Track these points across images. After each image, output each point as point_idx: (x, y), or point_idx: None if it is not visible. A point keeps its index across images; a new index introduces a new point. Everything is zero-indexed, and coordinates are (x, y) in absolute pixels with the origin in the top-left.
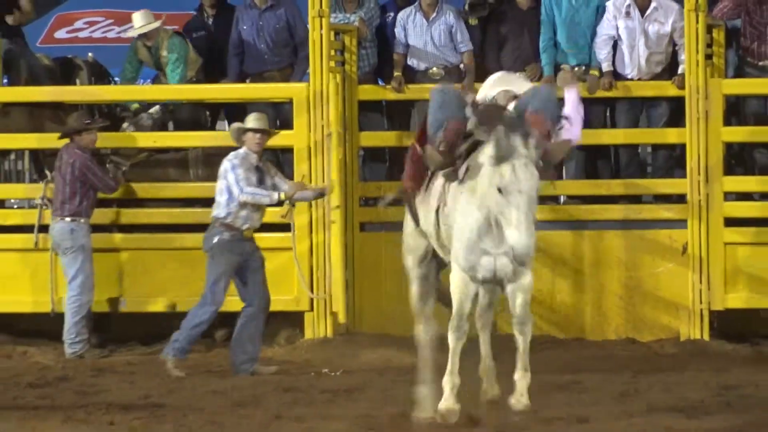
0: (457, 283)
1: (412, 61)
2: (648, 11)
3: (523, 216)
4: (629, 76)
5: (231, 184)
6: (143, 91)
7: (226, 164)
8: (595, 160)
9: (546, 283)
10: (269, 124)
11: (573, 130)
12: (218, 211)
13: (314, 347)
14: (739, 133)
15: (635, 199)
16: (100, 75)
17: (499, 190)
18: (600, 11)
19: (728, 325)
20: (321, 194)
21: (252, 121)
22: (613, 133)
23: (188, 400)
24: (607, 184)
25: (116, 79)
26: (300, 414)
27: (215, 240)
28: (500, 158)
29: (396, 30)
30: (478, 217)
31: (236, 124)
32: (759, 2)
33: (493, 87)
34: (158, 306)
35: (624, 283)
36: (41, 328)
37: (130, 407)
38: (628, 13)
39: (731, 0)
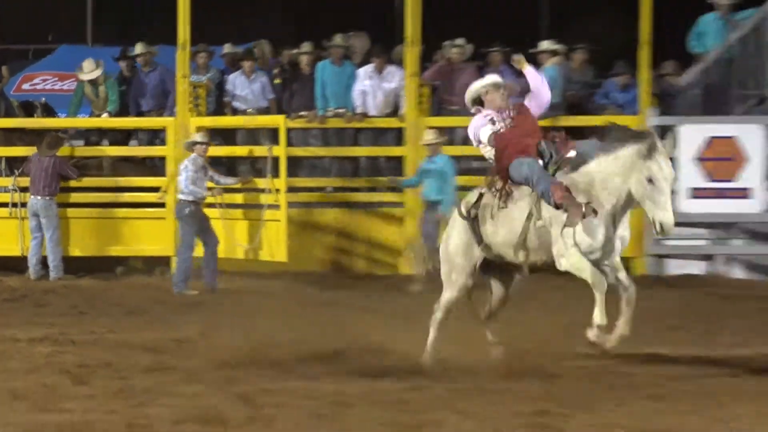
0: (580, 259)
1: (237, 105)
2: (383, 74)
3: (668, 199)
4: (372, 113)
5: (184, 179)
6: (73, 122)
7: (182, 164)
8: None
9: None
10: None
11: (543, 92)
12: (181, 194)
13: None
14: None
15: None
16: (49, 112)
17: (649, 180)
18: (353, 75)
19: None
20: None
21: (199, 137)
22: (358, 149)
23: (103, 307)
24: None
25: (59, 114)
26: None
27: (186, 211)
28: (648, 155)
29: (227, 86)
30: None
31: (192, 139)
32: (450, 72)
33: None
34: (91, 251)
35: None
36: (12, 265)
37: (65, 314)
38: (371, 76)
39: (432, 70)
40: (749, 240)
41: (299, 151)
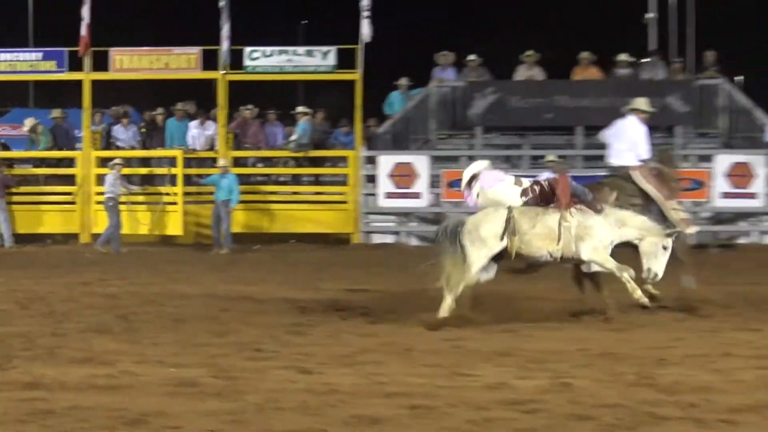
0: (607, 257)
1: (119, 144)
2: (205, 125)
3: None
4: (198, 149)
5: (108, 185)
6: (19, 153)
7: (108, 176)
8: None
9: None
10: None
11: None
12: (107, 194)
13: None
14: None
15: None
16: (6, 148)
17: (664, 248)
18: (187, 126)
19: None
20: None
21: (117, 161)
22: (193, 170)
23: (38, 263)
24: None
25: (13, 149)
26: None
27: (110, 204)
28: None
29: (113, 133)
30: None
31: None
32: (245, 125)
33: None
34: (30, 230)
35: None
36: None
37: (17, 268)
38: (197, 127)
39: (234, 123)
40: (420, 223)
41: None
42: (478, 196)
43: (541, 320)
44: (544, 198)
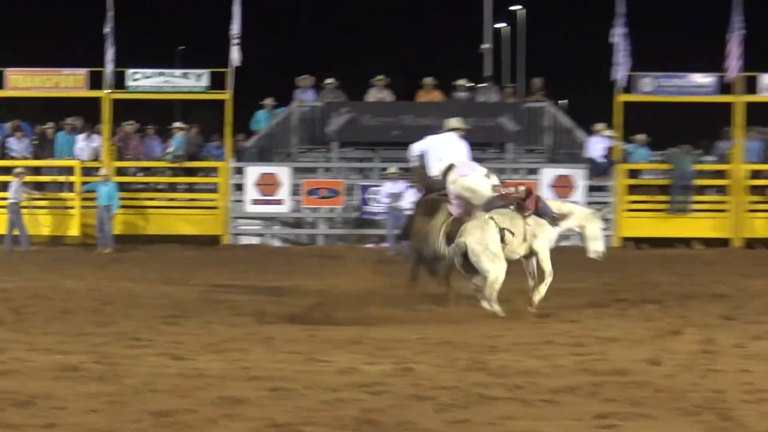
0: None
1: (13, 155)
2: (91, 138)
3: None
4: (86, 160)
5: (13, 191)
6: None
7: (11, 183)
8: None
9: None
10: None
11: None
12: (11, 199)
13: None
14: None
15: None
16: None
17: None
18: (75, 139)
19: None
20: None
21: (19, 170)
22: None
23: None
24: None
25: None
26: None
27: (13, 209)
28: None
29: (7, 145)
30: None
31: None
32: (126, 138)
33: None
34: None
35: None
36: None
37: None
38: (84, 140)
39: (118, 137)
40: (282, 226)
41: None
42: (453, 183)
43: (388, 313)
44: (508, 200)
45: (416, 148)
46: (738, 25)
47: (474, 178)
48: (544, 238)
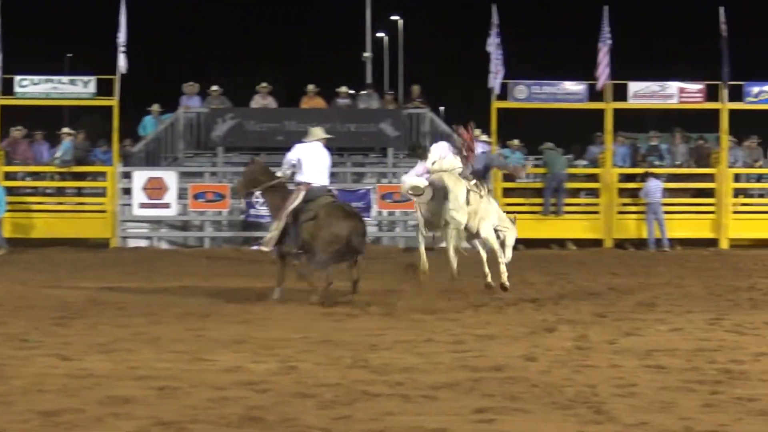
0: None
1: None
2: None
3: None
4: None
5: None
6: None
7: None
8: None
9: None
10: None
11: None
12: None
13: None
14: None
15: None
16: None
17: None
18: None
19: None
20: None
21: None
22: None
23: None
24: None
25: None
26: None
27: None
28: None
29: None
30: None
31: None
32: (15, 143)
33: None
34: None
35: None
36: None
37: None
38: None
39: (6, 142)
40: (169, 229)
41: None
42: (434, 163)
43: (272, 311)
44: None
45: (291, 157)
46: (606, 35)
47: (451, 158)
48: (491, 222)
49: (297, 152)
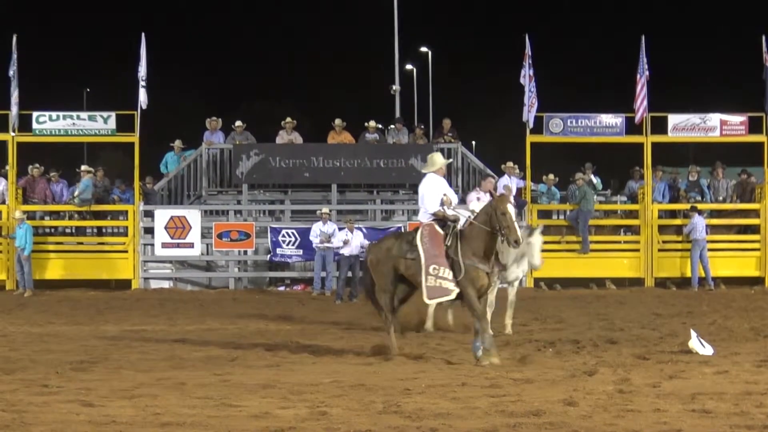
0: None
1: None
2: None
3: None
4: None
5: None
6: None
7: None
8: None
9: None
10: None
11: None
12: None
13: None
14: None
15: None
16: None
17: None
18: None
19: None
20: None
21: None
22: None
23: None
24: None
25: None
26: None
27: None
28: None
29: None
30: None
31: None
32: (33, 182)
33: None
34: None
35: None
36: None
37: None
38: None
39: (23, 180)
40: (193, 269)
41: None
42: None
43: (301, 354)
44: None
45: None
46: (644, 66)
47: (476, 204)
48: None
49: (432, 186)
